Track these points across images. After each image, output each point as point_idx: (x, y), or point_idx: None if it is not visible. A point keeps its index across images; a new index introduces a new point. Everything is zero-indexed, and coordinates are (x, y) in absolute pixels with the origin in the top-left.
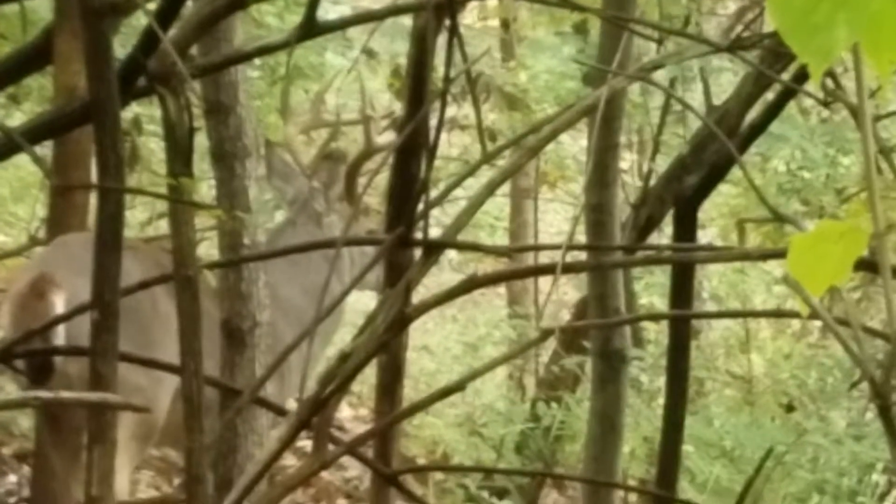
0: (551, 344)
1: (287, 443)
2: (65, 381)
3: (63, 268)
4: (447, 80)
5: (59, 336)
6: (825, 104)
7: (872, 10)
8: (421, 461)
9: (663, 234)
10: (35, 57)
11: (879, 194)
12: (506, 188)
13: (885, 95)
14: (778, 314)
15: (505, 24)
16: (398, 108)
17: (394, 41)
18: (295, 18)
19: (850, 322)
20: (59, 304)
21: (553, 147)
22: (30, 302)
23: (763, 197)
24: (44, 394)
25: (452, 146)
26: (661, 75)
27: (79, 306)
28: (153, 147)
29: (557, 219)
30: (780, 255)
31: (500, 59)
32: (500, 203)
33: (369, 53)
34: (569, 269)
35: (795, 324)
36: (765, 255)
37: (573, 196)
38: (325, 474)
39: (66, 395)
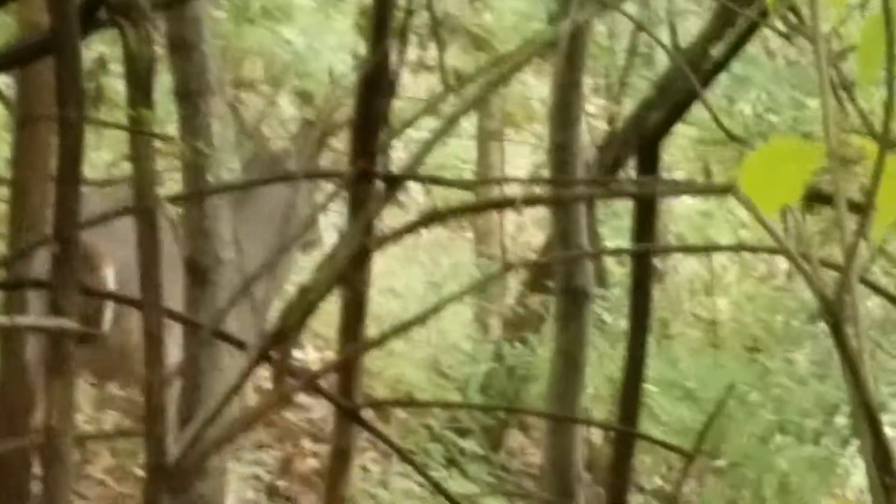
0: (517, 284)
1: (246, 375)
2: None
3: (105, 239)
4: (409, 14)
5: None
6: (786, 37)
7: None
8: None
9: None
10: None
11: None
12: (472, 130)
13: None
14: (740, 248)
15: None
16: (364, 49)
17: None
18: None
19: (802, 238)
20: (111, 277)
21: (519, 88)
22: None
23: (724, 127)
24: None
25: (419, 88)
26: (626, 22)
27: (38, 240)
28: (119, 88)
29: (524, 162)
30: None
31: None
32: (466, 145)
33: None
34: (530, 201)
35: (761, 266)
36: (726, 189)
37: (539, 138)
38: (289, 415)
39: (20, 319)
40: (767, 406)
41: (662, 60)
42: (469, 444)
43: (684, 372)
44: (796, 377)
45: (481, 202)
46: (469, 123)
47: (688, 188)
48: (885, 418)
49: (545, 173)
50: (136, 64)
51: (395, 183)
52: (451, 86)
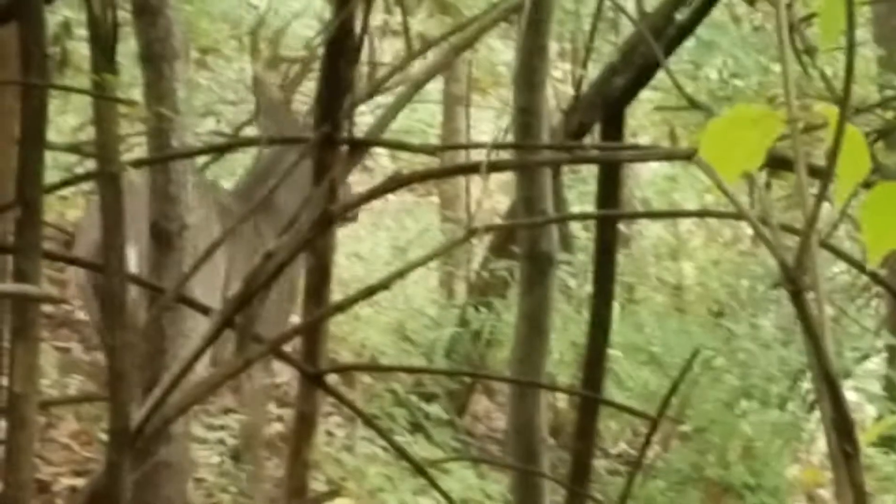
0: (482, 249)
1: (210, 340)
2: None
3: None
4: None
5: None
6: (751, 3)
7: None
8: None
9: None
10: None
11: (802, 99)
12: (438, 95)
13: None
14: (703, 214)
15: None
16: (329, 14)
17: None
18: None
19: (763, 205)
20: (134, 257)
21: (485, 53)
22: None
23: (686, 94)
24: None
25: (385, 53)
26: None
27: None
28: (84, 53)
29: (489, 127)
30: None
31: None
32: (432, 110)
33: None
34: (495, 167)
35: (726, 232)
36: (690, 154)
37: (505, 103)
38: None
39: None
40: (733, 371)
41: (628, 25)
42: (434, 409)
43: (649, 337)
44: (761, 342)
45: (446, 167)
46: (435, 88)
47: (651, 154)
48: (848, 384)
49: (510, 138)
50: (100, 28)
51: (359, 148)
52: (416, 51)
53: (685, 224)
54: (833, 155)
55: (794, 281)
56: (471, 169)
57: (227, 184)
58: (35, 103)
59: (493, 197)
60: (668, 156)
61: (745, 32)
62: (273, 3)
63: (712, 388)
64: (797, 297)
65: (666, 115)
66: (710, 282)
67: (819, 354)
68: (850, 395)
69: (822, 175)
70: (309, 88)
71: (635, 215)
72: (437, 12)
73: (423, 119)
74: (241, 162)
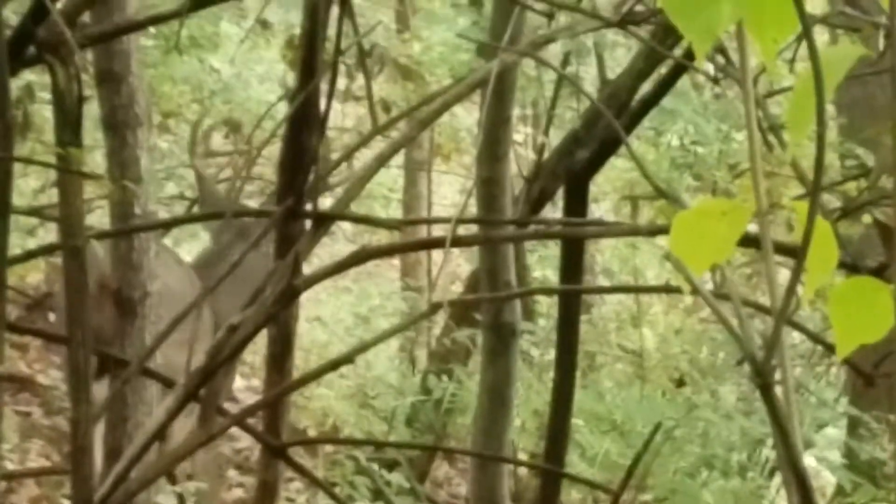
0: (443, 317)
1: (174, 414)
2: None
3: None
4: (338, 51)
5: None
6: (715, 81)
7: None
8: (311, 433)
9: (556, 208)
10: None
11: (768, 170)
12: (400, 160)
13: (777, 72)
14: (666, 290)
15: None
16: (291, 79)
17: (288, 11)
18: None
19: (732, 299)
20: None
21: (447, 119)
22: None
23: (648, 174)
24: None
25: (347, 117)
26: (555, 49)
27: None
28: (46, 115)
29: (451, 191)
30: (667, 230)
31: (395, 31)
32: (394, 174)
33: (263, 24)
34: (459, 242)
35: (687, 299)
36: (654, 231)
37: (467, 169)
38: (214, 445)
39: None
40: (694, 441)
41: (591, 90)
42: (395, 477)
43: (610, 405)
44: (722, 411)
45: (410, 242)
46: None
47: (615, 231)
48: (810, 453)
49: (472, 205)
50: (65, 101)
51: (324, 222)
52: (381, 126)
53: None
54: (802, 254)
55: (764, 376)
56: (435, 244)
57: (188, 246)
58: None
59: (454, 261)
60: (633, 231)
61: (706, 99)
62: (234, 67)
63: (674, 458)
64: (766, 392)
65: (627, 180)
66: (670, 349)
67: (788, 447)
68: (810, 463)
69: (791, 254)
70: (266, 157)
71: (599, 290)
72: (399, 78)
73: (384, 183)
74: (199, 227)
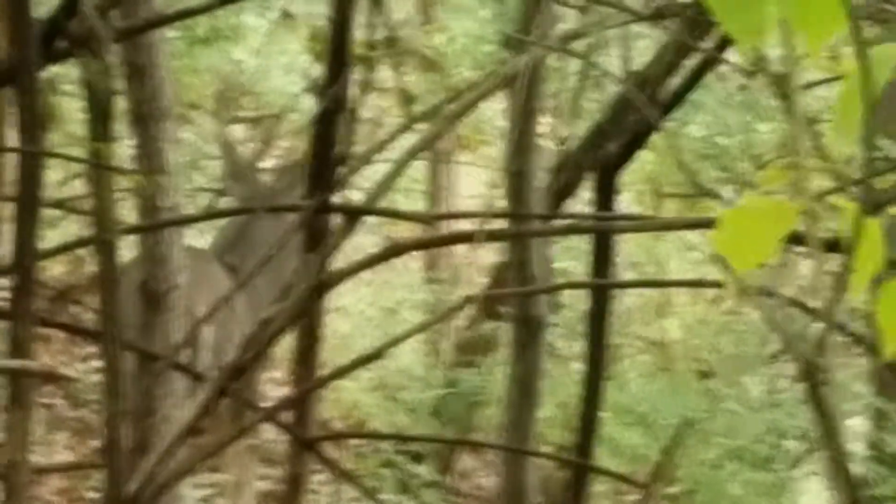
0: (467, 308)
1: (206, 408)
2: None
3: (197, 282)
4: (372, 46)
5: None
6: (749, 74)
7: None
8: (337, 425)
9: (577, 199)
10: None
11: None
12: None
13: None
14: (699, 284)
15: None
16: (315, 70)
17: (311, 3)
18: None
19: (776, 298)
20: None
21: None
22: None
23: (685, 167)
24: None
25: (367, 108)
26: (578, 43)
27: None
28: (69, 107)
29: (474, 181)
30: (701, 224)
31: (418, 21)
32: (416, 165)
33: (286, 15)
34: (490, 237)
35: (711, 290)
36: (687, 225)
37: (489, 159)
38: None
39: None
40: (720, 433)
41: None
42: (421, 470)
43: (636, 397)
44: (747, 403)
45: (441, 236)
46: (428, 147)
47: (647, 225)
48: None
49: (497, 195)
50: (97, 95)
51: (354, 217)
52: (413, 119)
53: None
54: (850, 257)
55: (812, 375)
56: (467, 239)
57: (205, 234)
58: (30, 170)
59: (478, 251)
60: (666, 226)
61: (730, 90)
62: (258, 59)
63: (700, 450)
64: (814, 393)
65: (649, 171)
66: (694, 340)
67: (833, 447)
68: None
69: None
70: (286, 146)
71: (630, 284)
72: (421, 70)
73: (407, 173)
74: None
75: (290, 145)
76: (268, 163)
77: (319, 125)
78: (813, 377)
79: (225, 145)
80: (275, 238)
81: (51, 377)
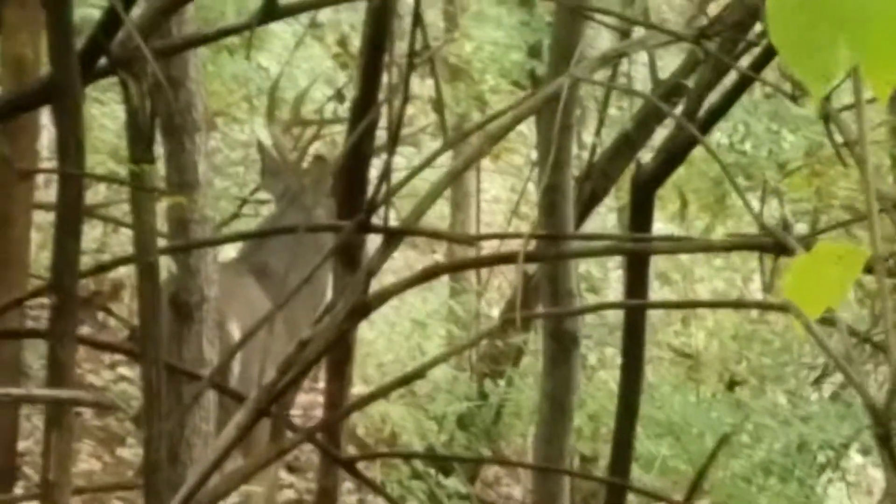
0: (495, 319)
1: (246, 430)
2: None
3: (230, 297)
4: (410, 64)
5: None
6: (793, 98)
7: (872, 30)
8: (368, 439)
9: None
10: None
11: (818, 169)
12: (447, 158)
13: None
14: (740, 305)
15: None
16: (342, 78)
17: (337, 11)
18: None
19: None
20: (235, 332)
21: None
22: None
23: (735, 185)
24: (14, 391)
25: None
26: (602, 46)
27: (36, 289)
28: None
29: (499, 189)
30: (742, 246)
31: (444, 29)
32: (442, 173)
33: (313, 23)
34: (530, 258)
35: (735, 296)
36: (728, 247)
37: (517, 168)
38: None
39: (37, 392)
40: (749, 444)
41: (642, 89)
42: (451, 482)
43: (665, 408)
44: (780, 416)
45: (480, 258)
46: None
47: (686, 246)
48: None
49: (524, 204)
50: (138, 117)
51: (394, 236)
52: (456, 137)
53: (696, 290)
54: None
55: (885, 425)
56: (507, 259)
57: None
58: (71, 192)
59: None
60: (706, 247)
61: (756, 99)
62: (284, 66)
63: (730, 462)
64: (886, 441)
65: (675, 179)
66: (721, 349)
67: None
68: (858, 461)
69: None
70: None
71: (668, 305)
72: (448, 79)
73: (431, 180)
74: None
75: (319, 147)
76: (299, 161)
77: (353, 139)
78: (885, 426)
79: (260, 147)
80: (300, 236)
81: (101, 407)
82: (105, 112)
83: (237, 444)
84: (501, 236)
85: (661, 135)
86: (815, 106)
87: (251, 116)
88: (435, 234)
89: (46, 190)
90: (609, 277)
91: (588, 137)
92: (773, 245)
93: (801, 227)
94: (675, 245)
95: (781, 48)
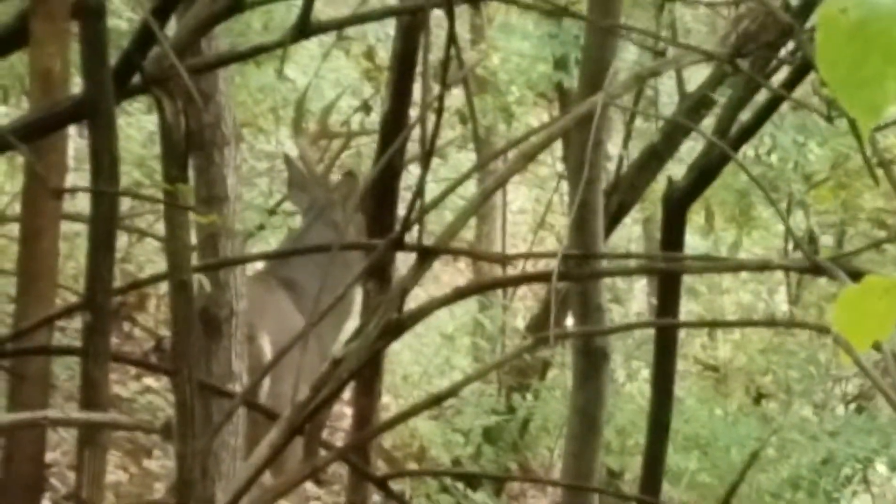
0: (521, 332)
1: (279, 449)
2: None
3: (261, 312)
4: (443, 83)
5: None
6: (829, 119)
7: None
8: (396, 453)
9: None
10: (10, 40)
11: (843, 181)
12: (471, 162)
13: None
14: (773, 324)
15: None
16: (367, 90)
17: (364, 24)
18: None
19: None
20: (267, 347)
21: (521, 129)
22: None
23: (772, 200)
24: (53, 413)
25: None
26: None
27: (68, 306)
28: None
29: (524, 200)
30: (775, 266)
31: (470, 41)
32: (468, 184)
33: (341, 36)
34: (564, 277)
35: (761, 308)
36: (760, 267)
37: (541, 178)
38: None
39: (75, 415)
40: (777, 459)
41: (666, 103)
42: (479, 496)
43: (693, 423)
44: (808, 432)
45: (512, 277)
46: (470, 160)
47: (721, 267)
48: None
49: (547, 211)
50: (172, 135)
51: (428, 255)
52: (488, 157)
53: (722, 301)
54: None
55: None
56: (540, 278)
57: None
58: (105, 209)
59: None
60: (739, 267)
61: (783, 111)
62: (310, 77)
63: (758, 477)
64: None
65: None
66: (749, 363)
67: None
68: (882, 471)
69: None
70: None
71: (700, 325)
72: (475, 90)
73: (459, 192)
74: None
75: (346, 160)
76: (326, 174)
77: (381, 150)
78: None
79: (287, 159)
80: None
81: (139, 430)
82: (130, 122)
83: (270, 464)
84: (533, 255)
85: (687, 147)
86: (863, 137)
87: (277, 127)
88: (468, 253)
89: (72, 200)
90: (633, 288)
91: (613, 149)
92: (807, 267)
93: (826, 240)
94: (709, 265)
95: (831, 81)
